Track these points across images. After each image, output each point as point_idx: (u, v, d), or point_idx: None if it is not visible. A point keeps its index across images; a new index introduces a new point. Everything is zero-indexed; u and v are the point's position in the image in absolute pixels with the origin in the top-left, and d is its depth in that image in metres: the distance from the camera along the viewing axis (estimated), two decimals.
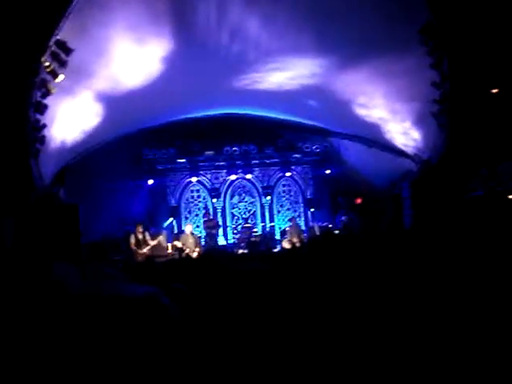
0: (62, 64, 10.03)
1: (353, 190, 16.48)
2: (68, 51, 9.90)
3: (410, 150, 14.04)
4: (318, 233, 15.56)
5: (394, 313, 2.59)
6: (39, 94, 10.15)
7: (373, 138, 15.02)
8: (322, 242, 3.06)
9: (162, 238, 14.63)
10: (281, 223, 17.36)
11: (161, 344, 0.80)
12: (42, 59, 9.69)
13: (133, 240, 13.60)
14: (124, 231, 13.92)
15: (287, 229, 16.32)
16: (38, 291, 1.23)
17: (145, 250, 13.51)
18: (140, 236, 13.68)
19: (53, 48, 9.72)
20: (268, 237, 16.45)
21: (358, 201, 16.55)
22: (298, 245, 14.48)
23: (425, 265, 3.36)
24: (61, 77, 10.16)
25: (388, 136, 14.36)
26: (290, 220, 16.59)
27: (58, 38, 9.65)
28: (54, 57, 9.86)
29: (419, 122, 13.02)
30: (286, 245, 15.27)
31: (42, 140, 10.86)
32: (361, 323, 2.42)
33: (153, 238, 13.94)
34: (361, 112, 14.00)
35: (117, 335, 0.79)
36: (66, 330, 1.03)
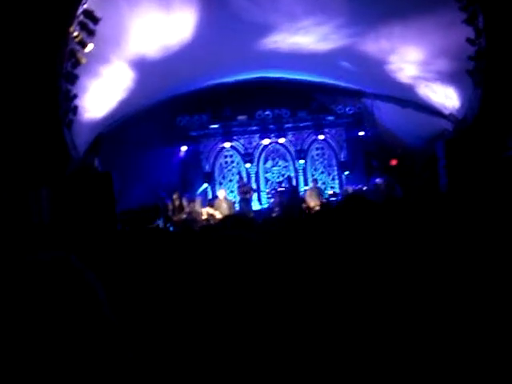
0: (91, 33, 10.06)
1: (387, 151, 16.27)
2: (96, 20, 9.92)
3: (444, 109, 13.75)
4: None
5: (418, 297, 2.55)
6: (69, 64, 10.22)
7: (406, 98, 14.75)
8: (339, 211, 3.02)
9: (197, 203, 14.80)
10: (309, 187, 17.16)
11: (77, 309, 0.77)
12: (71, 29, 9.73)
13: (170, 206, 13.89)
14: (157, 198, 14.12)
15: (307, 191, 16.03)
16: None
17: (183, 216, 13.79)
18: (177, 202, 13.93)
19: (80, 18, 9.75)
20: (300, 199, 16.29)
21: (393, 162, 16.31)
22: (316, 209, 13.96)
23: (461, 233, 3.29)
24: (90, 46, 10.20)
25: (422, 95, 14.08)
26: (312, 181, 16.48)
27: (86, 7, 9.67)
28: (82, 26, 9.90)
29: (454, 80, 12.71)
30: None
31: (75, 110, 10.97)
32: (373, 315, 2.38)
33: (189, 204, 14.19)
34: (394, 72, 13.74)
35: (27, 300, 0.76)
36: None
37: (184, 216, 13.84)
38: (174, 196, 13.98)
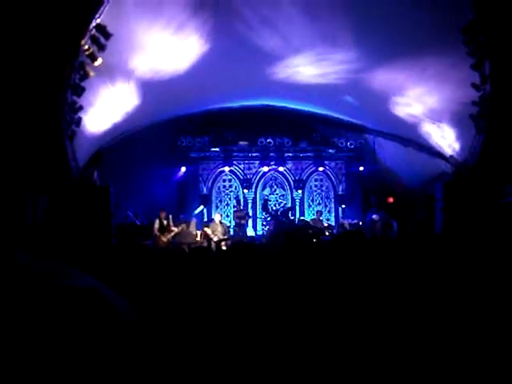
0: (101, 48, 10.14)
1: (385, 188, 16.31)
2: (107, 35, 10.00)
3: (445, 152, 13.81)
4: (347, 229, 15.42)
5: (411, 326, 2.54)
6: (77, 76, 10.28)
7: (408, 137, 14.83)
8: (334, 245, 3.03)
9: (192, 225, 14.73)
10: (311, 217, 17.23)
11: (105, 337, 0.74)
12: (82, 42, 9.81)
13: (157, 225, 13.72)
14: (126, 220, 13.92)
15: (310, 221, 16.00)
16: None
17: (168, 237, 13.62)
18: (164, 222, 13.79)
19: (93, 32, 9.83)
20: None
21: (390, 200, 16.35)
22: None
23: (453, 274, 3.30)
24: (99, 60, 10.27)
25: (424, 136, 14.15)
26: (316, 213, 16.47)
27: (99, 21, 9.75)
28: (94, 40, 9.97)
29: (457, 123, 12.79)
30: None
31: (78, 122, 11.00)
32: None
33: (178, 225, 13.99)
34: (398, 110, 13.83)
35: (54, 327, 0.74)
36: None
37: (170, 237, 13.67)
38: (162, 215, 13.80)
